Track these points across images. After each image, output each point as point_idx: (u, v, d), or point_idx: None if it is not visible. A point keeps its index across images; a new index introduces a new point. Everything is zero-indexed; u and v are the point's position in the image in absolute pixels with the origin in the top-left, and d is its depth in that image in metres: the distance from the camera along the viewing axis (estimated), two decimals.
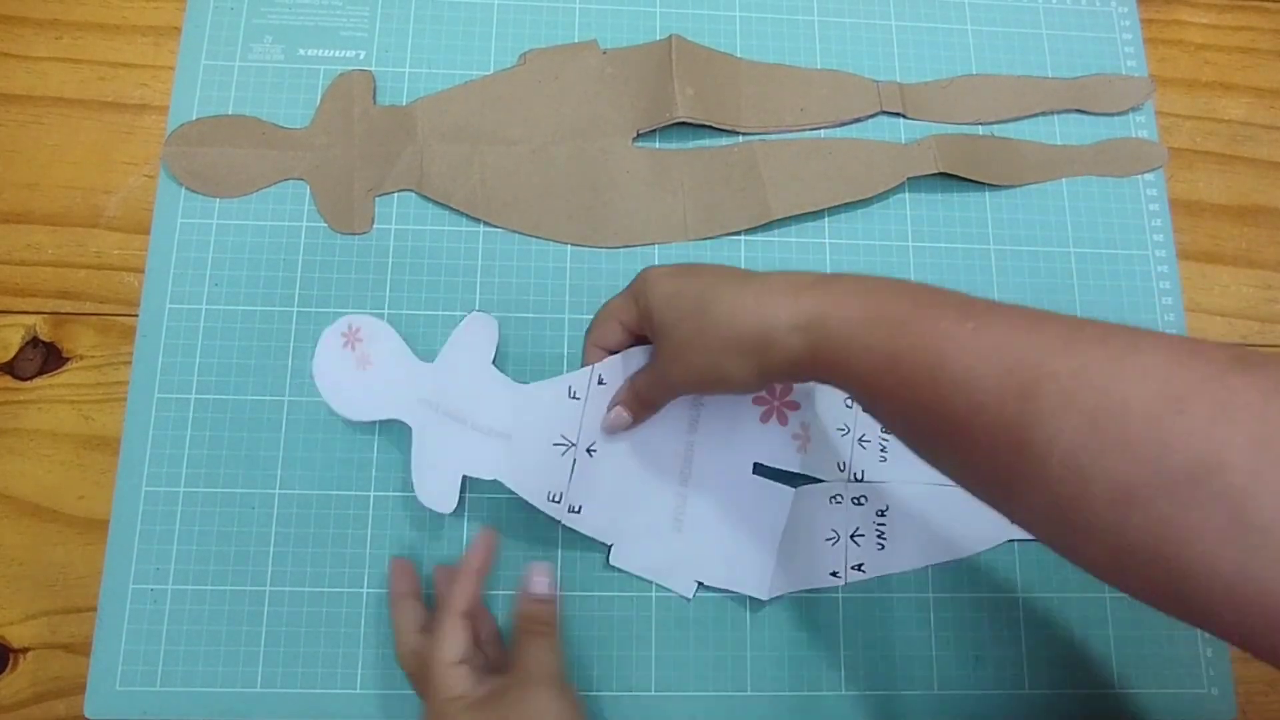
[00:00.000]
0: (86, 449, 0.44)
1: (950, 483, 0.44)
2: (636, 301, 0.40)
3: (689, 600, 0.43)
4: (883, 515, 0.44)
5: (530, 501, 0.41)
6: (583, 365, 0.42)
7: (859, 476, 0.44)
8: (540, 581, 0.38)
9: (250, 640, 0.42)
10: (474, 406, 0.42)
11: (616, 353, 0.42)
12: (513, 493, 0.41)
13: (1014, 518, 0.29)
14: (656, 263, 0.48)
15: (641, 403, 0.41)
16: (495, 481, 0.41)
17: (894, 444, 0.45)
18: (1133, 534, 0.24)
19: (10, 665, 0.41)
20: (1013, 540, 0.45)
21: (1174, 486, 0.23)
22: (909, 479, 0.45)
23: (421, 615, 0.39)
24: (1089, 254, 0.50)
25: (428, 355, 0.45)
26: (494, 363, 0.43)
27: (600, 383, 0.42)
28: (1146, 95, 0.53)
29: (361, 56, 0.50)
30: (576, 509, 0.42)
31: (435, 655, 0.36)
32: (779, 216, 0.48)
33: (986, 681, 0.44)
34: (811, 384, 0.44)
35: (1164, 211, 0.51)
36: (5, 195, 0.47)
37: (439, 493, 0.41)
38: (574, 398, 0.42)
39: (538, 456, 0.41)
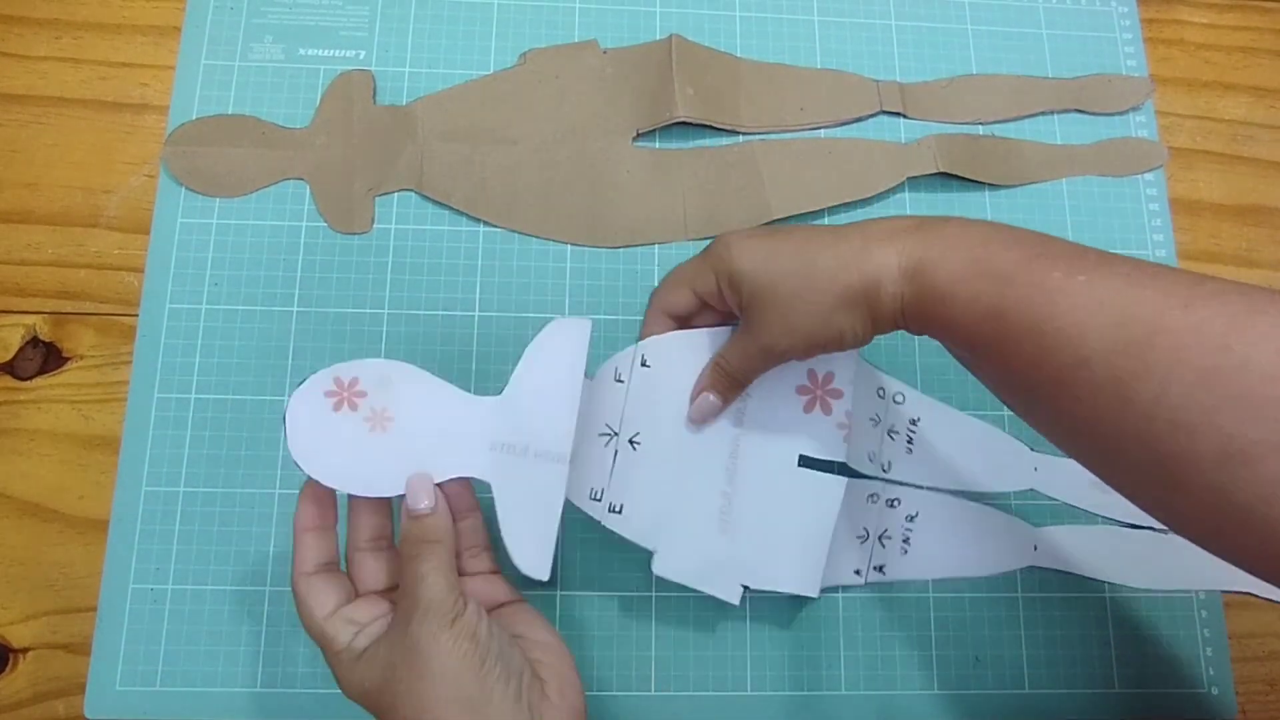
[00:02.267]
0: (86, 449, 0.44)
1: (980, 497, 0.45)
2: (715, 270, 0.36)
3: (735, 605, 0.40)
4: (911, 520, 0.44)
5: (572, 500, 0.37)
6: (643, 334, 0.38)
7: (885, 468, 0.44)
8: (418, 496, 0.33)
9: (250, 640, 0.42)
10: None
11: (683, 320, 0.38)
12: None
13: (1110, 476, 0.29)
14: (657, 262, 0.48)
15: (732, 381, 0.37)
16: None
17: (920, 438, 0.45)
18: (1239, 493, 0.24)
19: (10, 665, 0.41)
20: (1034, 567, 0.45)
21: None
22: (932, 476, 0.45)
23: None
24: None
25: (428, 357, 0.45)
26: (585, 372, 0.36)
27: (644, 364, 0.39)
28: (1146, 95, 0.52)
29: (361, 56, 0.50)
30: (618, 508, 0.38)
31: (304, 617, 0.33)
32: (779, 216, 0.48)
33: (986, 681, 0.44)
34: (853, 371, 0.42)
35: (1164, 211, 0.51)
36: (5, 195, 0.47)
37: (538, 556, 0.34)
38: (619, 380, 0.38)
39: (582, 448, 0.37)
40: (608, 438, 0.38)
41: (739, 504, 0.40)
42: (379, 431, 0.33)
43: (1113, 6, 0.54)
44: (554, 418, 0.34)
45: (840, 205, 0.48)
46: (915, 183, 0.50)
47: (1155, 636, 0.45)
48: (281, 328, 0.45)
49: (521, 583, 0.36)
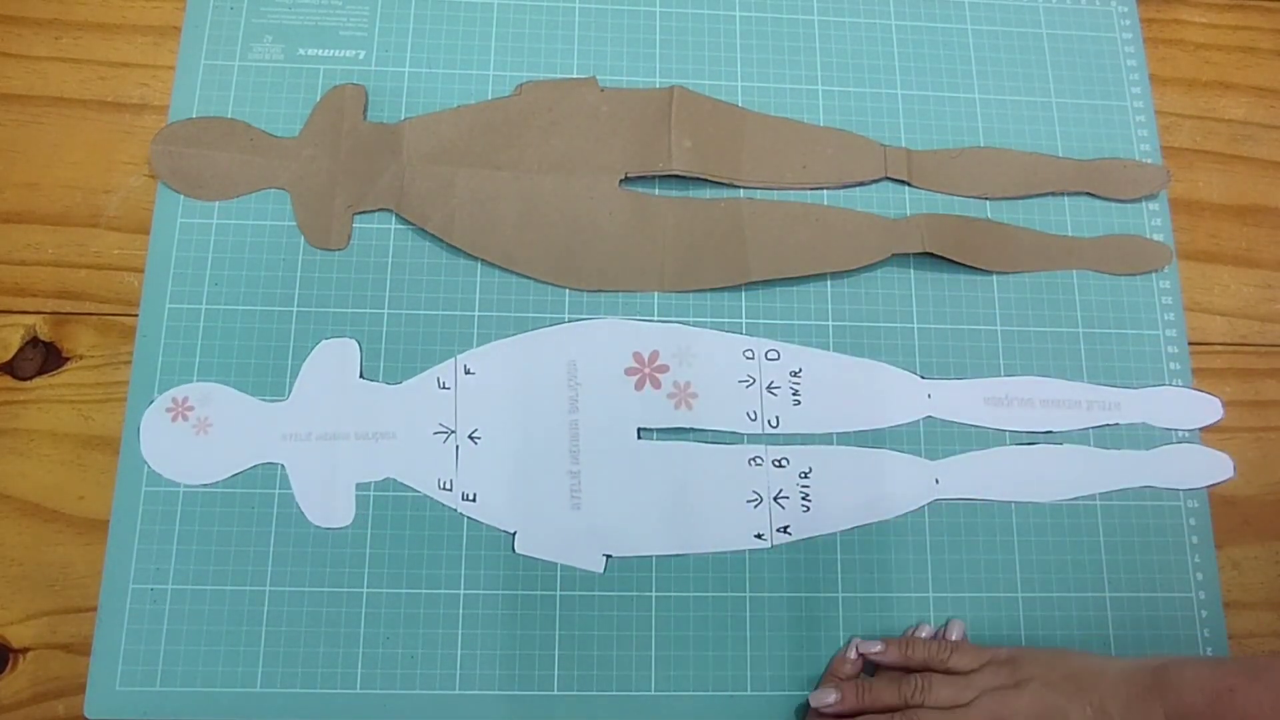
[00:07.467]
0: (86, 449, 0.44)
1: (872, 445, 0.46)
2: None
3: (600, 574, 0.43)
4: (805, 477, 0.45)
5: (423, 491, 0.43)
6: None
7: (773, 423, 0.45)
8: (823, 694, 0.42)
9: (250, 640, 0.42)
10: (351, 419, 0.44)
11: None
12: (410, 490, 0.43)
13: None
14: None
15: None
16: (392, 484, 0.44)
17: (806, 388, 0.46)
18: None
19: (10, 665, 0.41)
20: (938, 500, 0.45)
21: None
22: (827, 422, 0.46)
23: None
24: None
25: (425, 354, 0.45)
26: (363, 376, 0.45)
27: (467, 372, 0.45)
28: (1161, 185, 0.51)
29: (361, 56, 0.50)
30: (471, 497, 0.44)
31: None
32: (757, 279, 0.47)
33: None
34: (689, 344, 0.46)
35: (1164, 211, 0.51)
36: (5, 195, 0.47)
37: (336, 509, 0.43)
38: (444, 388, 0.45)
39: (421, 447, 0.44)
40: (444, 435, 0.44)
41: (587, 481, 0.44)
42: (203, 434, 0.43)
43: (1113, 6, 0.54)
44: (327, 410, 0.44)
45: (820, 275, 0.48)
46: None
47: (1155, 636, 0.45)
48: (281, 328, 0.45)
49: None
